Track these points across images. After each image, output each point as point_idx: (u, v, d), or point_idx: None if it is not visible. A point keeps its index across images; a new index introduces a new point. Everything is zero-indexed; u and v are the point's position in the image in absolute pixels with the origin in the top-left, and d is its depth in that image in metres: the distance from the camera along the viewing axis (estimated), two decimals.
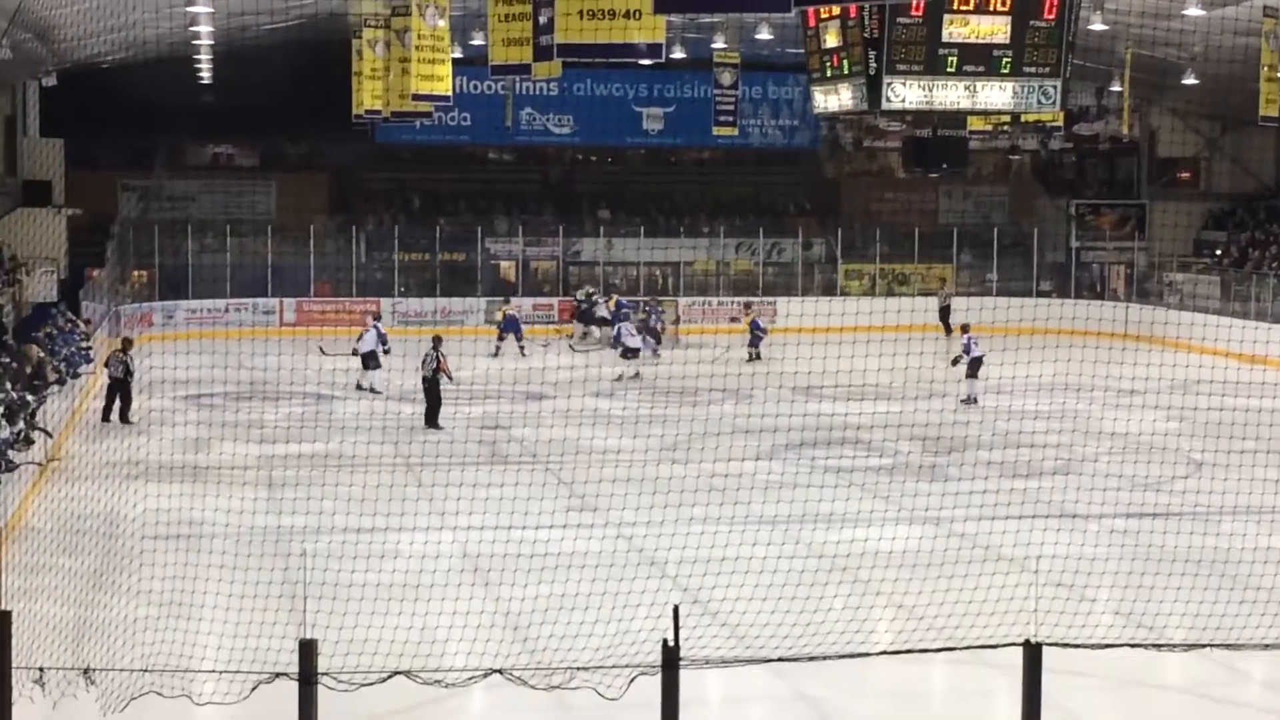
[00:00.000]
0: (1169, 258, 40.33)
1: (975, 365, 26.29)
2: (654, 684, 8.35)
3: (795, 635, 11.19)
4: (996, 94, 19.51)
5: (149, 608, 12.89)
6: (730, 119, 33.87)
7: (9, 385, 19.61)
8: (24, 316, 28.58)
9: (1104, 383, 25.70)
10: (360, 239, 39.77)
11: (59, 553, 15.01)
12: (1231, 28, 24.29)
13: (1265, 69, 23.56)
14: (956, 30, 18.99)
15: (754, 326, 33.25)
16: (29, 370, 21.80)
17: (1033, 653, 8.52)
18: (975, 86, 19.34)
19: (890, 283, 41.63)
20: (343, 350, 28.19)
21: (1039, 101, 19.83)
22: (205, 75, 35.43)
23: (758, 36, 31.83)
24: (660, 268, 40.91)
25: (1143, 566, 13.74)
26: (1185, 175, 43.44)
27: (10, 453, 17.38)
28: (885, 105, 19.35)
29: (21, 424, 18.67)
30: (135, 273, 37.59)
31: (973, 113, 21.09)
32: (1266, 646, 10.65)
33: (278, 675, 8.68)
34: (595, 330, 35.03)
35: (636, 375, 29.76)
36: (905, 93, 19.17)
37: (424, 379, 23.79)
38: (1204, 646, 10.94)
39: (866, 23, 18.85)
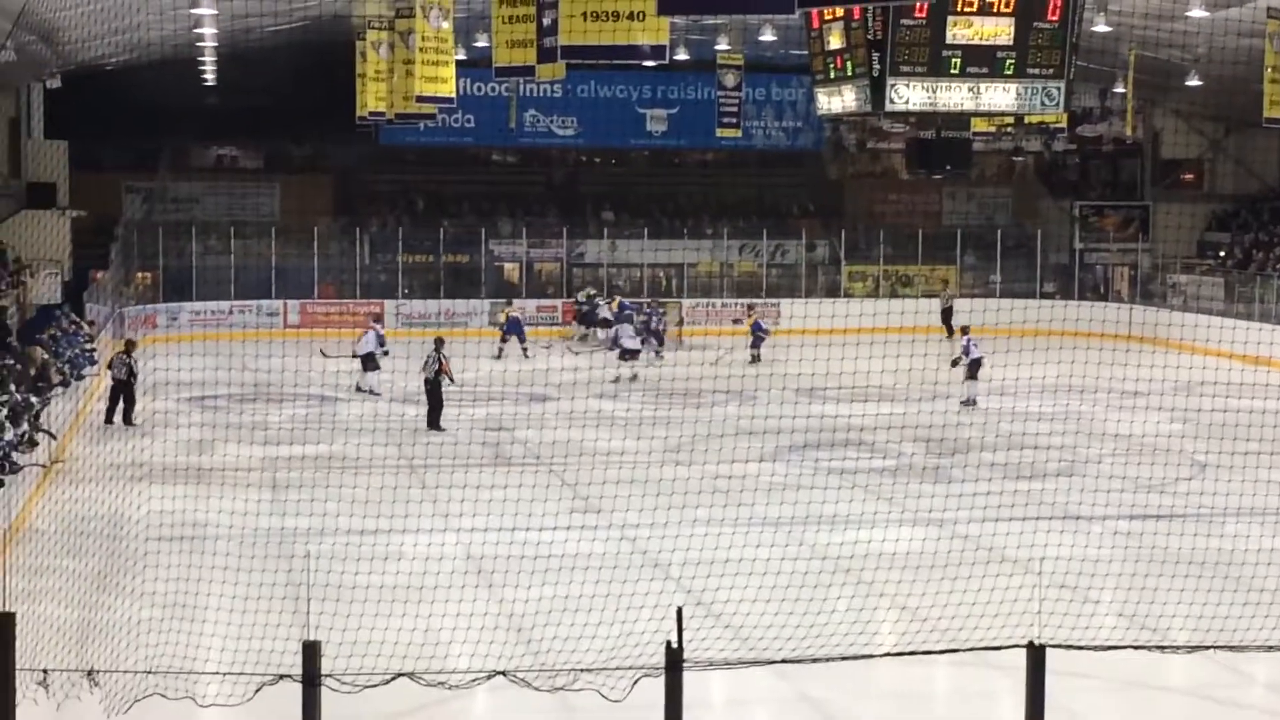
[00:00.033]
0: (1173, 259, 40.29)
1: (975, 367, 26.29)
2: (657, 686, 8.37)
3: (799, 637, 11.17)
4: (1000, 95, 19.46)
5: (153, 609, 12.92)
6: (734, 120, 33.83)
7: (13, 387, 19.63)
8: (28, 318, 28.58)
9: (1108, 384, 25.68)
10: (364, 241, 39.82)
11: (63, 554, 15.03)
12: (1235, 29, 24.25)
13: (1269, 70, 23.55)
14: (960, 32, 18.94)
15: (756, 328, 33.24)
16: (33, 372, 21.83)
17: (1036, 654, 8.53)
18: (979, 88, 19.30)
19: (894, 284, 41.63)
20: (343, 352, 28.22)
21: (1042, 103, 19.79)
22: (209, 77, 35.40)
23: (761, 38, 31.84)
24: (664, 269, 40.90)
25: (1146, 568, 13.72)
26: (1189, 177, 43.43)
27: (14, 455, 17.39)
28: (889, 107, 19.30)
29: (26, 426, 18.68)
30: (139, 275, 37.61)
31: (976, 114, 21.07)
32: (1270, 648, 10.62)
33: (281, 677, 8.70)
34: (598, 332, 35.02)
35: (634, 377, 29.76)
36: (909, 94, 19.13)
37: (425, 381, 23.80)
38: (1208, 648, 10.91)
39: (870, 24, 18.81)
